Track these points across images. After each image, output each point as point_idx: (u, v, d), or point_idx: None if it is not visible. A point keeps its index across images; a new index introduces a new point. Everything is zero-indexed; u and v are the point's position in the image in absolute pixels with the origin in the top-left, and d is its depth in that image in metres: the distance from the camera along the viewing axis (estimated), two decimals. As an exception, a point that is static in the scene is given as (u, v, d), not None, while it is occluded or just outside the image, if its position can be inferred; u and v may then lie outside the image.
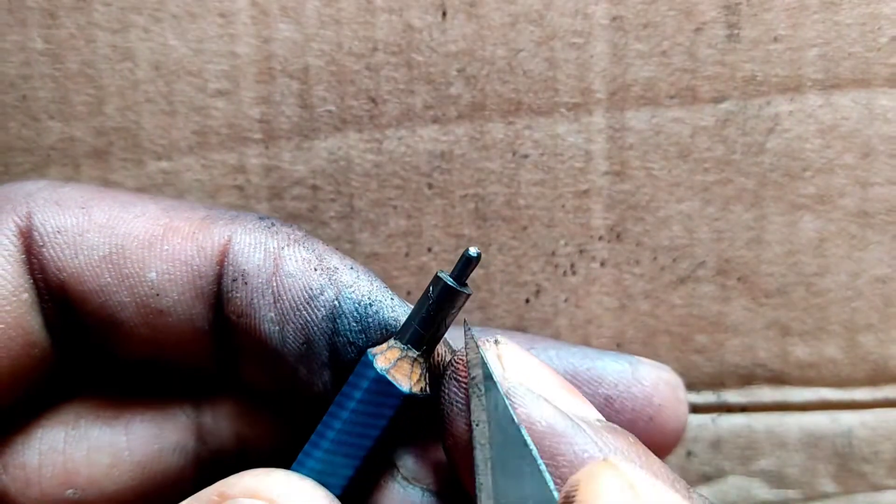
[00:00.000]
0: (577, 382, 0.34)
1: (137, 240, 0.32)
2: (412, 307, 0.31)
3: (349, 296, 0.31)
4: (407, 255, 0.41)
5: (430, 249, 0.41)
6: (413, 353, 0.30)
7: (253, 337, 0.31)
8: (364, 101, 0.40)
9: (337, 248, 0.41)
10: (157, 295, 0.31)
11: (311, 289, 0.31)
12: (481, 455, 0.27)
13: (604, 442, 0.27)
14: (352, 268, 0.32)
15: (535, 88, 0.39)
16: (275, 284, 0.31)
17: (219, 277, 0.32)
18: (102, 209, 0.32)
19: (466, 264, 0.30)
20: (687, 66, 0.39)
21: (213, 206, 0.34)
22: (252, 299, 0.31)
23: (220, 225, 0.32)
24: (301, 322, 0.31)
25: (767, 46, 0.39)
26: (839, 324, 0.41)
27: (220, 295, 0.32)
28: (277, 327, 0.31)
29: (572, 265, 0.41)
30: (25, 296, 0.31)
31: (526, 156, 0.40)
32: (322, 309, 0.31)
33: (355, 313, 0.31)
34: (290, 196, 0.41)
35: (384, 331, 0.31)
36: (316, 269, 0.32)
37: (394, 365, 0.30)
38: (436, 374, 0.31)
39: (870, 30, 0.38)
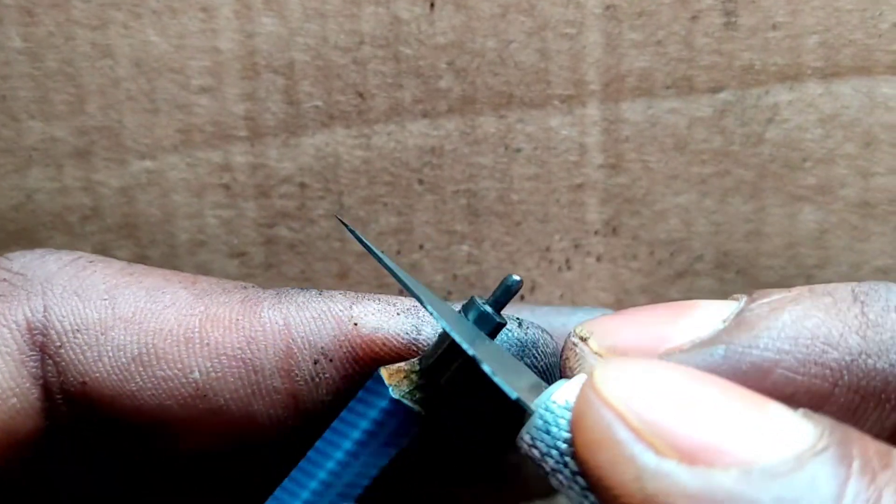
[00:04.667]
0: (556, 340, 0.31)
1: (171, 335, 0.28)
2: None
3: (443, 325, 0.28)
4: (398, 252, 0.40)
5: (421, 246, 0.40)
6: (415, 367, 0.28)
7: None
8: (351, 96, 0.39)
9: (326, 248, 0.40)
10: (206, 396, 0.28)
11: (408, 332, 0.28)
12: None
13: (750, 339, 0.25)
14: (416, 303, 0.28)
15: (527, 80, 0.38)
16: (363, 348, 0.28)
17: (286, 369, 0.28)
18: (128, 299, 0.28)
19: (506, 292, 0.27)
20: (683, 55, 0.38)
21: (247, 285, 0.30)
22: (345, 372, 0.28)
23: (267, 307, 0.28)
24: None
25: (766, 34, 0.38)
26: (840, 317, 0.40)
27: (293, 387, 0.28)
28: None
29: (567, 260, 0.41)
30: (14, 401, 0.28)
31: (519, 150, 0.39)
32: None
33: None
34: (277, 194, 0.40)
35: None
36: (399, 314, 0.28)
37: (408, 391, 0.27)
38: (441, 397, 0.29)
39: (870, 16, 0.37)
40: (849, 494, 0.20)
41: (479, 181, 0.40)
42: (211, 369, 0.28)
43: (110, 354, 0.28)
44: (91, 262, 0.30)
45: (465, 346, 0.24)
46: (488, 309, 0.27)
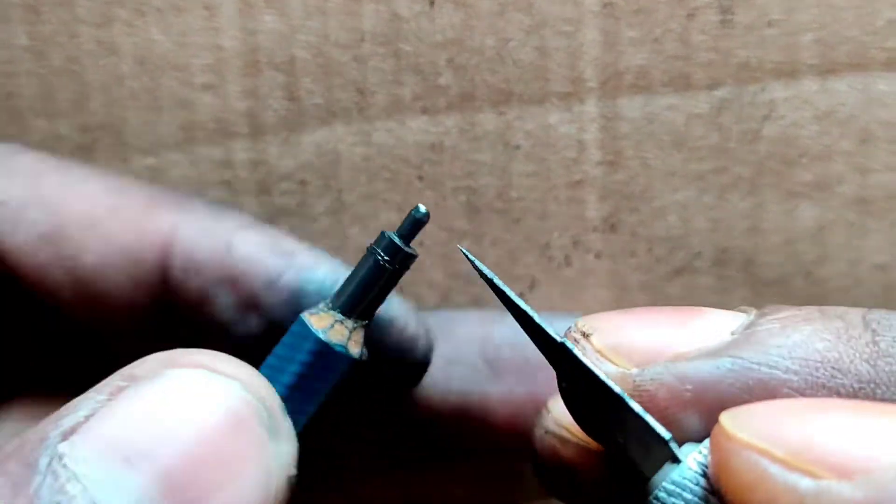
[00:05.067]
0: None
1: (78, 220, 0.31)
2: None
3: (311, 277, 0.30)
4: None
5: (421, 244, 0.41)
6: (351, 319, 0.28)
7: (209, 324, 0.30)
8: (352, 93, 0.39)
9: (326, 244, 0.41)
10: (95, 280, 0.31)
11: (270, 272, 0.31)
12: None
13: (759, 355, 0.24)
14: (310, 249, 0.31)
15: (526, 78, 0.39)
16: (230, 271, 0.31)
17: (163, 268, 0.31)
18: (50, 184, 0.31)
19: (414, 224, 0.29)
20: (680, 52, 0.38)
21: (160, 189, 0.33)
22: (207, 288, 0.31)
23: (165, 211, 0.32)
24: (263, 307, 0.30)
25: (762, 31, 0.38)
26: (839, 313, 0.40)
27: (166, 284, 0.31)
28: (238, 315, 0.30)
29: (567, 257, 0.41)
30: None
31: (517, 147, 0.40)
32: (284, 292, 0.30)
33: (320, 293, 0.30)
34: (278, 191, 0.40)
35: None
36: (272, 252, 0.31)
37: (331, 328, 0.28)
38: (374, 340, 0.30)
39: (866, 13, 0.38)
40: None
41: (479, 178, 0.40)
42: (103, 255, 0.31)
43: (25, 228, 0.31)
44: (23, 150, 0.33)
45: (611, 384, 0.24)
46: (397, 240, 0.28)
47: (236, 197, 0.40)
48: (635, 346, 0.26)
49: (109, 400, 0.23)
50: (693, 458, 0.24)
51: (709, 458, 0.23)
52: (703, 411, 0.24)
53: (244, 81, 0.39)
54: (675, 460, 0.24)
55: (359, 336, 0.28)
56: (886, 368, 0.24)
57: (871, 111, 0.39)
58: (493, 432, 0.36)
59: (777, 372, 0.24)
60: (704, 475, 0.24)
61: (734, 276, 0.40)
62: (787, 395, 0.24)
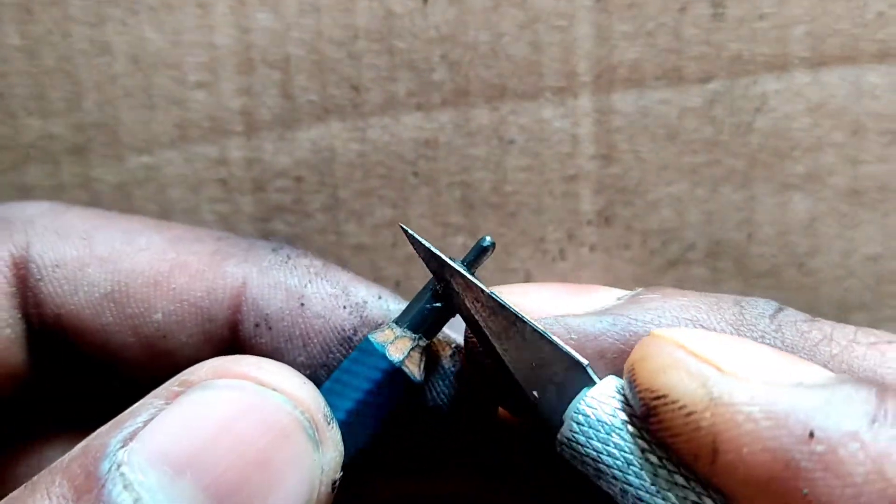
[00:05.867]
0: None
1: (142, 277, 0.30)
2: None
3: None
4: (394, 245, 0.41)
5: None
6: (421, 341, 0.29)
7: None
8: (346, 90, 0.39)
9: (322, 241, 0.41)
10: (164, 337, 0.30)
11: (344, 329, 0.30)
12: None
13: (637, 313, 0.28)
14: (380, 297, 0.31)
15: (520, 73, 0.39)
16: (303, 328, 0.30)
17: (234, 322, 0.30)
18: (105, 240, 0.31)
19: (480, 253, 0.30)
20: (672, 46, 0.39)
21: (222, 236, 0.32)
22: (279, 345, 0.30)
23: (233, 264, 0.31)
24: (336, 363, 0.30)
25: (753, 24, 0.38)
26: (831, 304, 0.41)
27: (236, 338, 0.30)
28: (308, 371, 0.30)
29: (562, 251, 0.41)
30: (8, 331, 0.30)
31: (512, 141, 0.40)
32: (356, 347, 0.30)
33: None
34: (273, 188, 0.40)
35: None
36: (345, 308, 0.31)
37: (407, 356, 0.29)
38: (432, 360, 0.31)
39: (856, 6, 0.38)
40: (889, 400, 0.23)
41: (474, 173, 0.40)
42: (172, 312, 0.30)
43: (85, 290, 0.30)
44: (69, 207, 0.32)
45: (533, 323, 0.27)
46: (464, 269, 0.29)
47: (232, 194, 0.40)
48: (535, 306, 0.29)
49: (166, 404, 0.25)
50: (608, 380, 0.27)
51: (622, 379, 0.27)
52: (585, 357, 0.27)
53: (238, 79, 0.39)
54: (591, 384, 0.27)
55: (417, 354, 0.29)
56: (748, 333, 0.28)
57: (863, 103, 0.39)
58: None
59: (651, 326, 0.28)
60: (619, 393, 0.27)
61: (727, 268, 0.41)
62: None
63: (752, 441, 0.23)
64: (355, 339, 0.30)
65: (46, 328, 0.30)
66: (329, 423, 0.26)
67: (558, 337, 0.28)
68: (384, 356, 0.28)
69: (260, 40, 0.39)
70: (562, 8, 0.38)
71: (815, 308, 0.41)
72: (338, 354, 0.30)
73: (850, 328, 0.28)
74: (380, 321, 0.30)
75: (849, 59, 0.39)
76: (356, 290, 0.31)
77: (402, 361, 0.28)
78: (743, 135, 0.39)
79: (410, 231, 0.29)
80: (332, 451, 0.26)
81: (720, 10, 0.38)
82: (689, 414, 0.24)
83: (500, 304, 0.28)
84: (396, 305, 0.31)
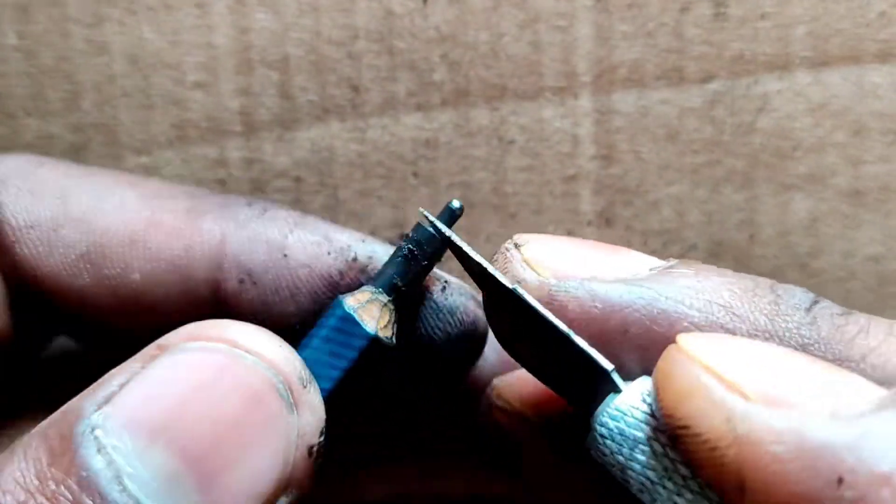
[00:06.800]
0: None
1: (117, 237, 0.30)
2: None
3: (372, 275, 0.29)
4: (394, 245, 0.41)
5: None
6: (383, 298, 0.29)
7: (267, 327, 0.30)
8: (346, 90, 0.39)
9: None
10: (144, 297, 0.30)
11: (331, 276, 0.30)
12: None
13: (668, 289, 0.26)
14: (363, 240, 0.30)
15: (520, 73, 0.39)
16: (289, 279, 0.30)
17: (215, 280, 0.30)
18: (79, 198, 0.30)
19: (450, 215, 0.29)
20: (673, 46, 0.38)
21: (195, 192, 0.32)
22: (266, 298, 0.30)
23: (210, 220, 0.30)
24: (324, 309, 0.29)
25: (755, 24, 0.38)
26: (833, 304, 0.41)
27: (220, 297, 0.30)
28: (297, 321, 0.29)
29: (562, 252, 0.41)
30: None
31: (512, 142, 0.40)
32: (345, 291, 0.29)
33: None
34: (272, 189, 0.40)
35: None
36: (329, 254, 0.30)
37: (363, 306, 0.28)
38: (408, 323, 0.30)
39: (858, 5, 0.38)
40: None
41: (474, 173, 0.40)
42: (150, 272, 0.29)
43: (61, 251, 0.29)
44: (42, 162, 0.31)
45: (557, 322, 0.26)
46: (433, 228, 0.29)
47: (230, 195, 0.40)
48: (559, 263, 0.27)
49: (142, 368, 0.24)
50: (635, 386, 0.25)
51: (650, 382, 0.25)
52: (606, 331, 0.26)
53: (237, 79, 0.39)
54: (617, 391, 0.25)
55: (388, 315, 0.28)
56: (782, 325, 0.26)
57: (865, 103, 0.39)
58: None
59: (681, 306, 0.26)
60: (645, 402, 0.25)
61: (729, 269, 0.40)
62: (686, 330, 0.25)
63: (778, 482, 0.21)
64: (342, 283, 0.30)
65: (25, 290, 0.30)
66: (306, 387, 0.25)
67: (581, 302, 0.26)
68: (340, 305, 0.28)
69: (259, 40, 0.38)
70: (562, 8, 0.38)
71: (816, 309, 0.40)
72: (327, 302, 0.29)
73: (885, 321, 0.26)
74: (367, 264, 0.30)
75: (851, 59, 0.38)
76: (338, 236, 0.30)
77: (355, 309, 0.28)
78: (744, 135, 0.39)
79: (429, 214, 0.28)
80: (308, 414, 0.25)
81: (721, 10, 0.38)
82: (713, 449, 0.22)
83: (523, 300, 0.26)
84: (382, 248, 0.31)
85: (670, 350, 0.24)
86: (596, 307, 0.26)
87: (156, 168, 0.40)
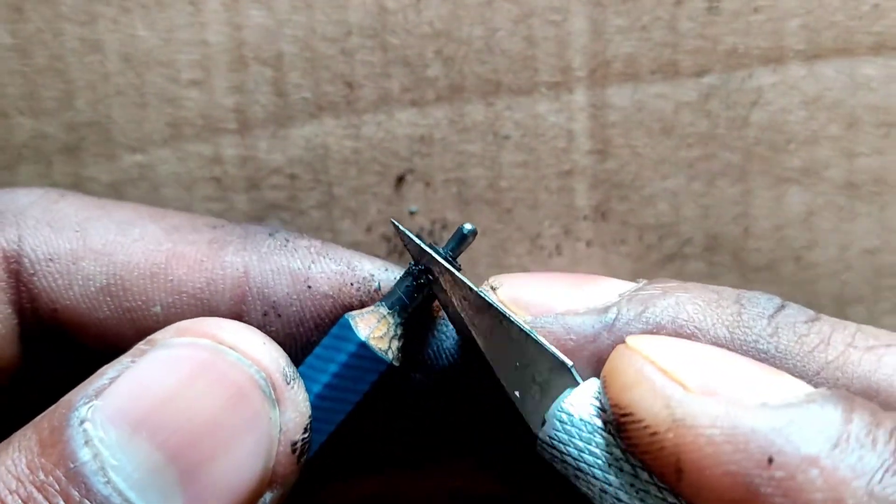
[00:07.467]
0: None
1: (138, 269, 0.30)
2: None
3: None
4: (389, 241, 0.41)
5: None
6: (384, 310, 0.29)
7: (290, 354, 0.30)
8: (340, 87, 0.39)
9: (319, 235, 0.40)
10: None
11: (354, 307, 0.30)
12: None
13: (633, 317, 0.28)
14: (386, 269, 0.31)
15: (515, 68, 0.39)
16: (313, 311, 0.30)
17: (237, 313, 0.30)
18: (99, 231, 0.30)
19: (461, 240, 0.30)
20: (668, 40, 0.38)
21: (217, 223, 0.32)
22: (290, 330, 0.30)
23: (231, 252, 0.30)
24: None
25: (748, 18, 0.38)
26: (829, 297, 0.41)
27: None
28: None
29: (558, 246, 0.41)
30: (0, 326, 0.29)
31: (507, 137, 0.40)
32: None
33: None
34: (267, 186, 0.40)
35: None
36: (352, 284, 0.30)
37: (362, 316, 0.29)
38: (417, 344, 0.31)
39: (851, -3, 0.38)
40: (854, 422, 0.23)
41: (469, 169, 0.40)
42: (171, 305, 0.29)
43: (80, 284, 0.29)
44: (62, 195, 0.32)
45: (519, 322, 0.28)
46: (444, 255, 0.30)
47: (226, 193, 0.40)
48: (534, 300, 0.29)
49: (132, 363, 0.25)
50: (592, 380, 0.28)
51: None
52: (582, 360, 0.28)
53: (231, 77, 0.39)
54: (575, 384, 0.27)
55: (385, 327, 0.29)
56: (742, 336, 0.28)
57: (858, 96, 0.39)
58: None
59: (648, 326, 0.28)
60: (597, 399, 0.27)
61: (724, 262, 0.41)
62: None
63: (713, 464, 0.23)
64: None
65: (43, 322, 0.30)
66: (289, 384, 0.26)
67: (557, 336, 0.28)
68: (349, 327, 0.28)
69: (252, 37, 0.38)
70: (556, 2, 0.38)
71: (812, 302, 0.40)
72: None
73: (851, 328, 0.28)
74: (389, 287, 0.30)
75: (844, 52, 0.38)
76: (361, 265, 0.31)
77: (369, 337, 0.29)
78: (739, 128, 0.39)
79: (401, 226, 0.29)
80: (291, 411, 0.26)
81: (715, 4, 0.38)
82: (654, 434, 0.24)
83: (487, 302, 0.28)
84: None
85: (619, 348, 0.26)
86: (571, 339, 0.28)
87: (151, 166, 0.40)
